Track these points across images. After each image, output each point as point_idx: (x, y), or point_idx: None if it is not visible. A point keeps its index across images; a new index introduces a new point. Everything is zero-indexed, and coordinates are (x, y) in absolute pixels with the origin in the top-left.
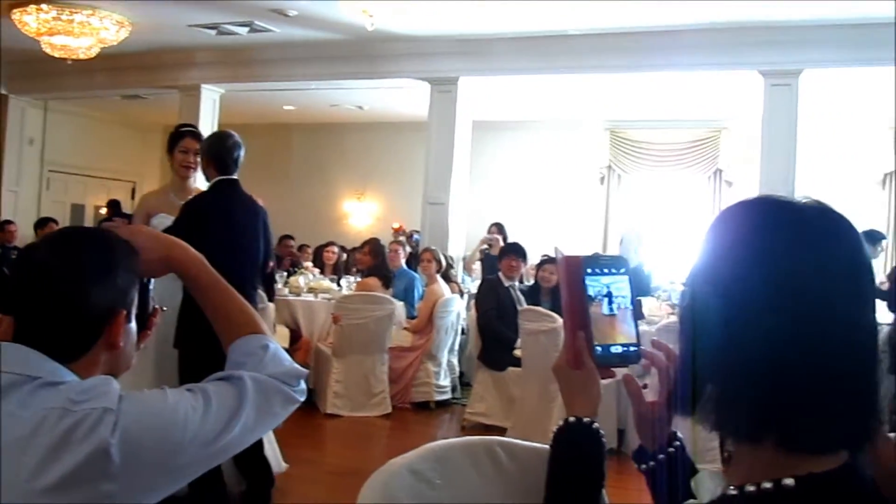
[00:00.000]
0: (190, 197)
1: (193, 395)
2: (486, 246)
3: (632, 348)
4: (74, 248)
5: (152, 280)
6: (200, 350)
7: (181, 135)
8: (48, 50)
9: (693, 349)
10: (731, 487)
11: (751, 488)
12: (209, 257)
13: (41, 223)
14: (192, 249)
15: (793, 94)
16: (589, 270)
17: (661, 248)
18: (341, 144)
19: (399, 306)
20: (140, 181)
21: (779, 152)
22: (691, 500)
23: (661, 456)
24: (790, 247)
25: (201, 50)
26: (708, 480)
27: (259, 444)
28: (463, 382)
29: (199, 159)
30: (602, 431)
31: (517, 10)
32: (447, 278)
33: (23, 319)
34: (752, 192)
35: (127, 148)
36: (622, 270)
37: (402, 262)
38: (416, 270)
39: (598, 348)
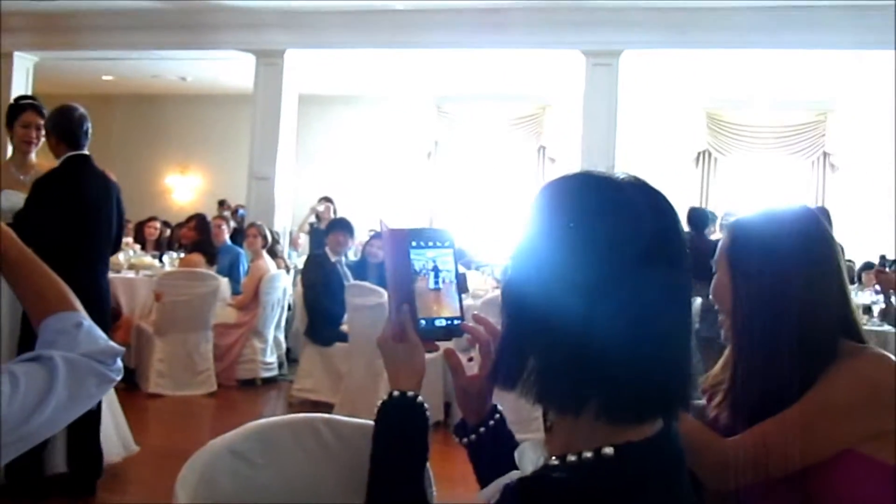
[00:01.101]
0: (32, 171)
1: None
2: (313, 218)
3: (455, 322)
4: None
5: None
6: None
7: (21, 108)
8: None
9: (514, 324)
10: (553, 458)
11: (572, 458)
12: (63, 235)
13: None
14: (2, 224)
15: (613, 74)
16: (414, 244)
17: (485, 222)
18: (164, 117)
19: (224, 282)
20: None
21: (599, 130)
22: (514, 472)
23: (482, 429)
24: (606, 220)
25: (13, 14)
26: (530, 451)
27: (94, 431)
28: (290, 359)
29: (41, 134)
30: (426, 405)
31: None
32: (273, 254)
33: None
34: (574, 168)
35: None
36: (447, 244)
37: (227, 237)
38: (241, 246)
39: (423, 322)
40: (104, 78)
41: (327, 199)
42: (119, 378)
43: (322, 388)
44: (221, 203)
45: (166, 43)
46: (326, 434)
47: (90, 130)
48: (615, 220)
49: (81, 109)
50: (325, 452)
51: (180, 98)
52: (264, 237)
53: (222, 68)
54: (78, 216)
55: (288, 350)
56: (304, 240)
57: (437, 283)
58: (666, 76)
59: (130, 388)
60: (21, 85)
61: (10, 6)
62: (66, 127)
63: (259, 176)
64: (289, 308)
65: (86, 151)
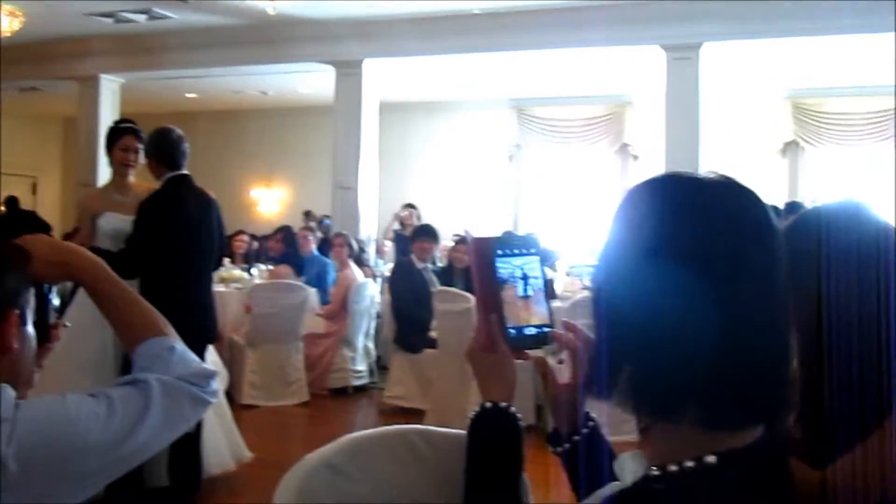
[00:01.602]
0: (131, 193)
1: (96, 401)
2: (398, 225)
3: (545, 329)
4: None
5: (53, 291)
6: None
7: (120, 132)
8: None
9: (606, 331)
10: (653, 468)
11: (673, 467)
12: (170, 254)
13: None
14: (90, 254)
15: (693, 68)
16: (499, 252)
17: (570, 223)
18: (247, 131)
19: (312, 293)
20: (40, 176)
21: (682, 126)
22: (614, 483)
23: (576, 438)
24: (697, 224)
25: (99, 38)
26: (630, 462)
27: (195, 445)
28: (380, 366)
29: (139, 157)
30: (519, 415)
31: None
32: (359, 262)
33: None
34: (657, 165)
35: (25, 142)
36: (532, 250)
37: (313, 248)
38: (328, 256)
39: (511, 331)
40: (187, 96)
41: (411, 206)
42: (215, 399)
43: (412, 395)
44: (307, 214)
45: (247, 58)
46: (421, 446)
47: (188, 150)
48: (704, 223)
49: (178, 131)
50: (420, 464)
51: (262, 112)
52: (350, 246)
53: (302, 81)
54: (183, 235)
55: (378, 358)
56: (389, 247)
57: (524, 290)
58: (748, 66)
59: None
60: (109, 106)
61: (96, 30)
62: (165, 149)
63: (342, 185)
64: (377, 316)
65: (185, 171)
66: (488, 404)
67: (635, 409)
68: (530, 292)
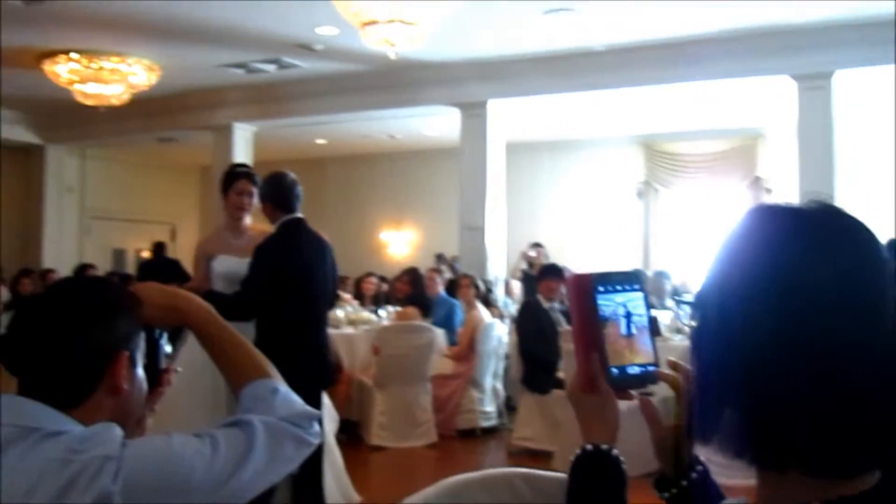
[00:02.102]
0: (245, 236)
1: (200, 440)
2: (525, 264)
3: (650, 368)
4: (69, 294)
5: (164, 336)
6: None
7: (236, 175)
8: (80, 98)
9: (707, 372)
10: None
11: None
12: (285, 296)
13: (80, 270)
14: (198, 299)
15: (826, 97)
16: (601, 289)
17: (702, 260)
18: (375, 174)
19: (439, 334)
20: (179, 223)
21: (816, 157)
22: None
23: (684, 483)
24: (801, 258)
25: (231, 89)
26: None
27: (317, 485)
28: (509, 407)
29: (253, 201)
30: (622, 458)
31: (541, 30)
32: (487, 303)
33: (24, 370)
34: (792, 198)
35: (164, 190)
36: (636, 286)
37: (440, 289)
38: (455, 297)
39: (614, 370)
40: (317, 141)
41: (538, 245)
42: (318, 441)
43: (541, 437)
44: (439, 257)
45: (373, 103)
46: (523, 489)
47: (301, 194)
48: (808, 256)
49: (292, 175)
50: None
51: (390, 155)
52: (477, 287)
53: (428, 123)
54: (298, 278)
55: (508, 398)
56: (517, 287)
57: (627, 328)
58: (883, 93)
59: (353, 440)
60: (242, 153)
61: (228, 81)
62: (279, 193)
63: (470, 226)
64: (506, 357)
65: (299, 214)
66: (589, 447)
67: (738, 455)
68: (633, 330)
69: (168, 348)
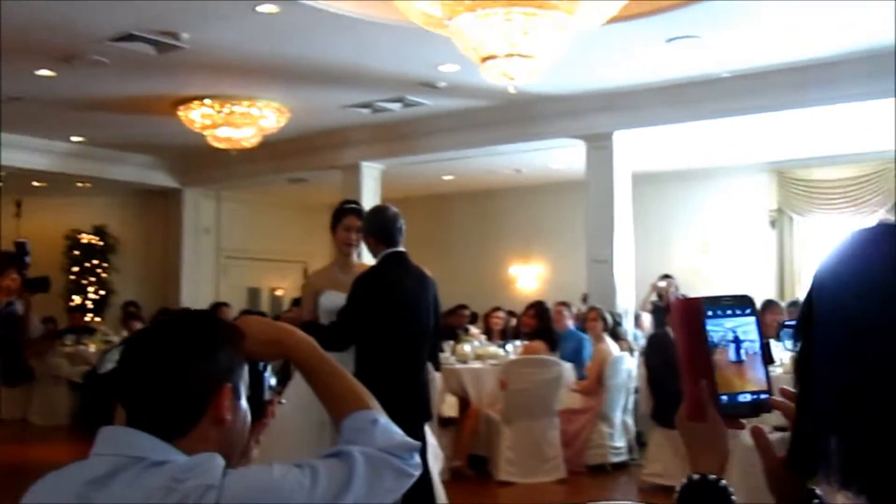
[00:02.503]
0: (354, 271)
1: (301, 471)
2: (655, 296)
3: (762, 396)
4: (176, 328)
5: (268, 370)
6: None
7: (344, 212)
8: (214, 142)
9: (810, 398)
10: None
11: None
12: (383, 331)
13: (214, 308)
14: (301, 333)
15: None
16: (710, 313)
17: None
18: (503, 209)
19: (567, 368)
20: (310, 261)
21: None
22: None
23: None
24: None
25: (358, 128)
26: None
27: None
28: (640, 442)
29: (360, 236)
30: (731, 489)
31: (665, 58)
32: (616, 336)
33: (131, 400)
34: None
35: (295, 230)
36: (748, 311)
37: (569, 322)
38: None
39: (724, 398)
40: (444, 178)
41: (668, 277)
42: (418, 472)
43: (672, 472)
44: (584, 299)
45: (499, 138)
46: None
47: (403, 228)
48: None
49: (393, 209)
50: None
51: (516, 189)
52: (604, 320)
53: (553, 156)
54: (395, 311)
55: (638, 433)
56: (647, 319)
57: (738, 354)
58: None
59: (482, 475)
60: (370, 192)
61: (354, 121)
62: (380, 226)
63: (597, 259)
64: (635, 391)
65: (401, 248)
66: (696, 476)
67: (844, 487)
68: (744, 356)
69: (273, 381)
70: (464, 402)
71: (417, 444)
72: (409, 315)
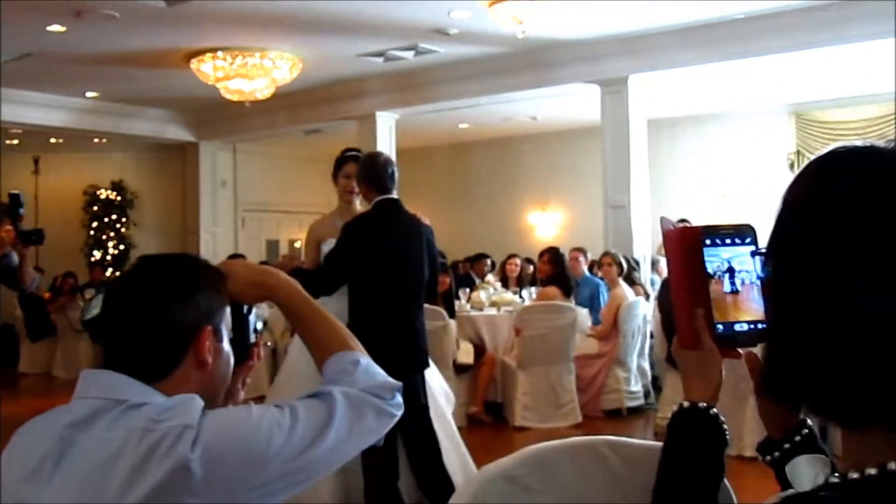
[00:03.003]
0: None
1: (280, 411)
2: None
3: (759, 326)
4: (153, 271)
5: (254, 312)
6: None
7: (344, 160)
8: (227, 95)
9: (779, 324)
10: (835, 475)
11: (854, 475)
12: (373, 277)
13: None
14: (284, 275)
15: None
16: (707, 242)
17: None
18: (519, 157)
19: (582, 314)
20: (328, 212)
21: None
22: (790, 490)
23: (787, 446)
24: (869, 198)
25: (371, 78)
26: (806, 466)
27: (437, 457)
28: (656, 387)
29: None
30: (722, 418)
31: (680, 0)
32: (631, 281)
33: (111, 344)
34: None
35: (313, 181)
36: (748, 240)
37: (584, 269)
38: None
39: (720, 326)
40: (460, 126)
41: (684, 221)
42: (400, 412)
43: None
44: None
45: (513, 85)
46: (611, 458)
47: (395, 174)
48: (875, 196)
49: (385, 155)
50: (609, 477)
51: (533, 137)
52: (619, 265)
53: (569, 102)
54: (384, 257)
55: (654, 378)
56: (664, 264)
57: (732, 284)
58: None
59: (498, 421)
60: (385, 141)
61: (368, 71)
62: (372, 173)
63: (614, 205)
64: (651, 335)
65: (394, 195)
66: (686, 404)
67: (813, 412)
68: (739, 286)
69: (259, 324)
70: (479, 350)
71: (399, 384)
72: (400, 261)
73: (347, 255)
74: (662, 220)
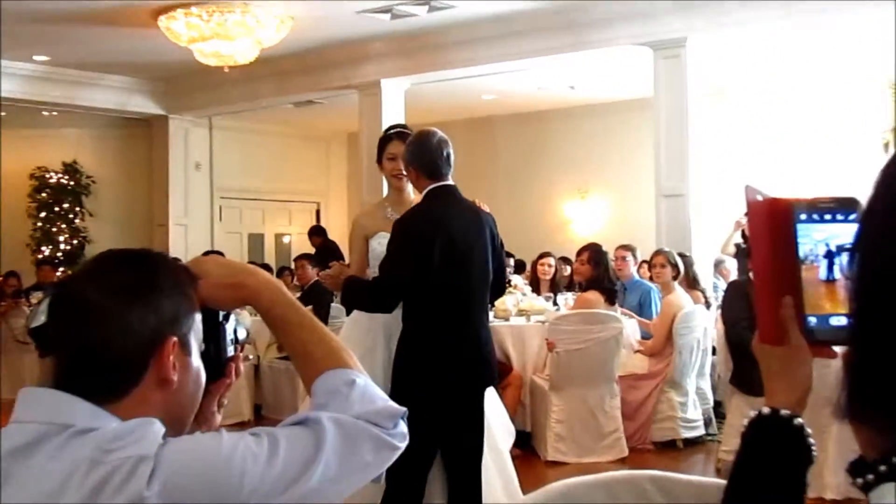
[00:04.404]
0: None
1: (257, 440)
2: (741, 238)
3: None
4: (107, 270)
5: (232, 319)
6: (423, 387)
7: (387, 138)
8: (203, 59)
9: (869, 333)
10: None
11: None
12: (431, 280)
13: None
14: (266, 275)
15: None
16: (802, 217)
17: None
18: (554, 135)
19: (628, 324)
20: (325, 201)
21: None
22: None
23: (883, 468)
24: None
25: (376, 39)
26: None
27: (477, 493)
28: (718, 414)
29: None
30: (809, 430)
31: None
32: (689, 286)
33: (59, 357)
34: None
35: (307, 163)
36: (851, 217)
37: (632, 270)
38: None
39: (811, 319)
40: (484, 97)
41: None
42: (403, 443)
43: None
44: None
45: (549, 49)
46: (655, 496)
47: (451, 156)
48: None
49: (440, 134)
50: None
51: (571, 110)
52: (674, 266)
53: (614, 69)
54: (445, 256)
55: (717, 404)
56: (731, 266)
57: (830, 271)
58: None
59: (526, 453)
60: (393, 115)
61: (372, 31)
62: (422, 155)
63: (669, 193)
64: (713, 351)
65: (449, 181)
66: (766, 410)
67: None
68: (838, 275)
69: (242, 332)
70: (504, 368)
71: (401, 409)
72: (463, 259)
73: (407, 259)
74: (747, 188)
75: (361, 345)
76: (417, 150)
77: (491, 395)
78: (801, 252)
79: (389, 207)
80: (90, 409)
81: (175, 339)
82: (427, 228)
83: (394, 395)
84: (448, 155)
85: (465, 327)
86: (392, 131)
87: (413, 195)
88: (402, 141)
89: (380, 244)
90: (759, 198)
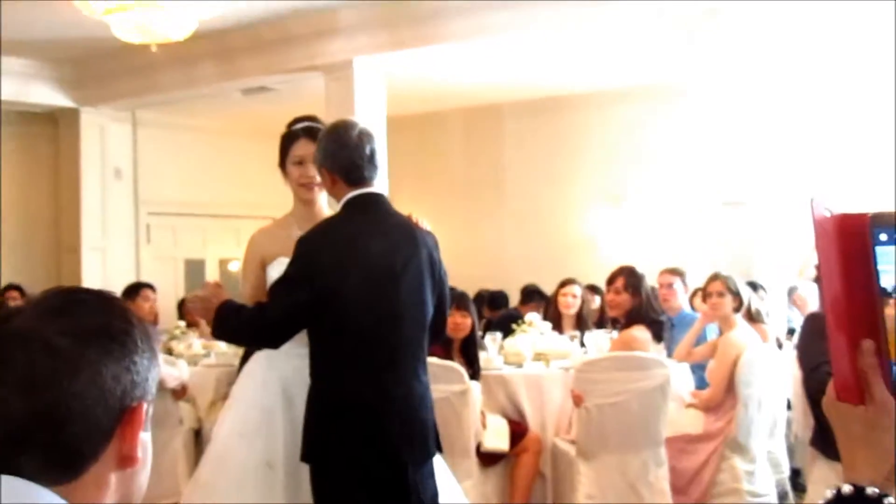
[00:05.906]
0: None
1: None
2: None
3: None
4: (70, 312)
5: None
6: (338, 464)
7: (292, 136)
8: (121, 35)
9: None
10: None
11: None
12: (343, 317)
13: (131, 292)
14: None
15: None
16: (883, 237)
17: None
18: (576, 126)
19: (678, 371)
20: (281, 214)
21: None
22: None
23: None
24: None
25: (347, 8)
26: None
27: None
28: (798, 485)
29: None
30: None
31: None
32: (755, 320)
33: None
34: None
35: (257, 169)
36: None
37: (682, 301)
38: None
39: None
40: (487, 80)
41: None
42: None
43: None
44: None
45: (565, 18)
46: None
47: (376, 155)
48: None
49: (361, 126)
50: None
51: (597, 96)
52: (735, 294)
53: (648, 44)
54: (362, 287)
55: (795, 472)
56: (810, 292)
57: None
58: None
59: None
60: (370, 103)
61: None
62: (339, 155)
63: (727, 201)
64: (788, 405)
65: (373, 189)
66: (848, 488)
67: None
68: None
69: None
70: (518, 428)
71: None
72: (387, 293)
73: (304, 285)
74: (813, 202)
75: (257, 406)
76: (331, 148)
77: (441, 468)
78: (883, 283)
79: (295, 225)
80: (34, 492)
81: (144, 406)
82: (337, 250)
83: (316, 489)
84: (372, 153)
85: (392, 384)
86: (298, 126)
87: (328, 209)
88: (313, 140)
89: (277, 272)
90: (828, 213)
